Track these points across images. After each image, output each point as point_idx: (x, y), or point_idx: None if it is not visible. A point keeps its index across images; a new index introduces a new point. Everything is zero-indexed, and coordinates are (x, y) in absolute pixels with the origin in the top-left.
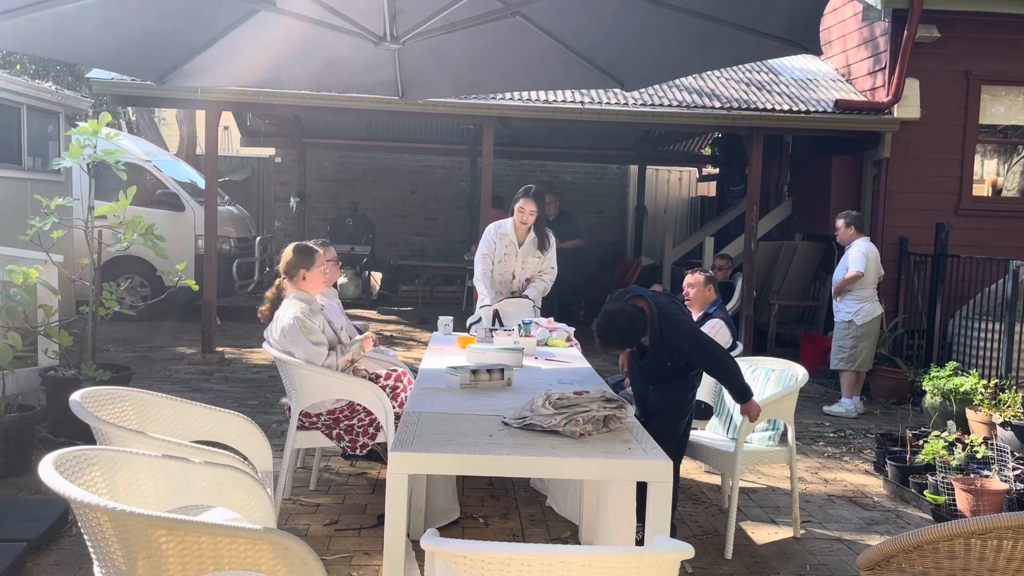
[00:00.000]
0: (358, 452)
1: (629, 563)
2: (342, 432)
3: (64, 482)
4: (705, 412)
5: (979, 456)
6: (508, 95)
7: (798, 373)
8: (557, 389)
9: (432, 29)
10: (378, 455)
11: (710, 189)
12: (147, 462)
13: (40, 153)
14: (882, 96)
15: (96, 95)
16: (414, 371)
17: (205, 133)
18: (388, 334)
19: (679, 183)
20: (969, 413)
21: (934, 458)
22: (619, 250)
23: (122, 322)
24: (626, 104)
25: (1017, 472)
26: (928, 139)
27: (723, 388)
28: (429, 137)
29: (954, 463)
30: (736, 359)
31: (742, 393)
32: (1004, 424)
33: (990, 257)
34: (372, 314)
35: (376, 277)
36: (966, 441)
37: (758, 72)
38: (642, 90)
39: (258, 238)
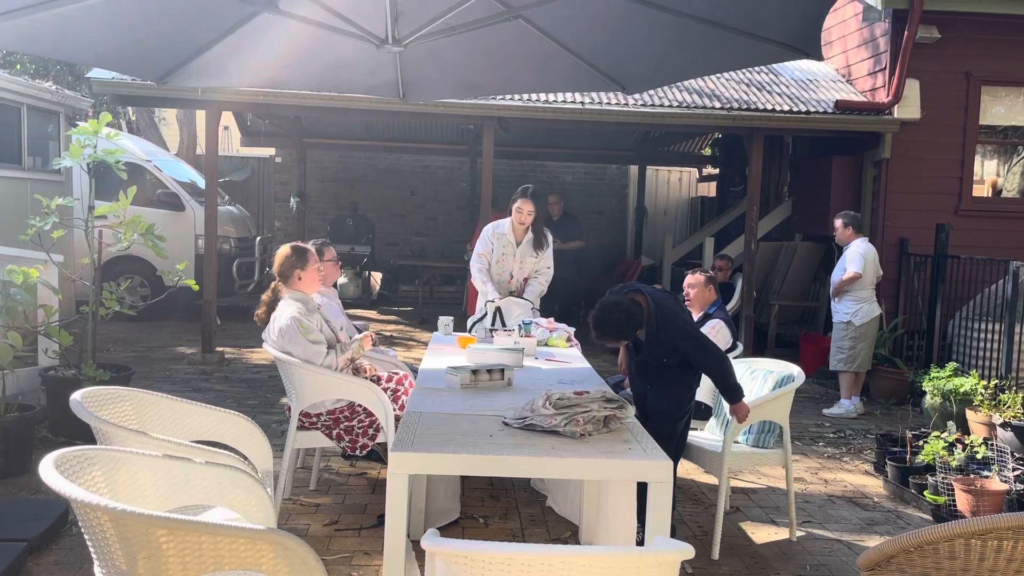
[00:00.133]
0: (358, 453)
1: (629, 563)
2: (342, 432)
3: (65, 482)
4: (704, 413)
5: (979, 457)
6: (508, 96)
7: (794, 375)
8: (557, 389)
9: (434, 32)
10: (378, 455)
11: (710, 189)
12: (147, 462)
13: (40, 153)
14: (882, 97)
15: (96, 95)
16: (414, 371)
17: (205, 133)
18: (388, 334)
19: (679, 183)
20: (969, 414)
21: (934, 459)
22: (619, 250)
23: (122, 322)
24: (626, 104)
25: (1017, 473)
26: (928, 140)
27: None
28: (429, 137)
29: (954, 464)
30: (734, 360)
31: (734, 393)
32: (1004, 425)
33: (990, 258)
34: (372, 314)
35: (376, 277)
36: (966, 442)
37: (758, 73)
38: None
39: (258, 238)
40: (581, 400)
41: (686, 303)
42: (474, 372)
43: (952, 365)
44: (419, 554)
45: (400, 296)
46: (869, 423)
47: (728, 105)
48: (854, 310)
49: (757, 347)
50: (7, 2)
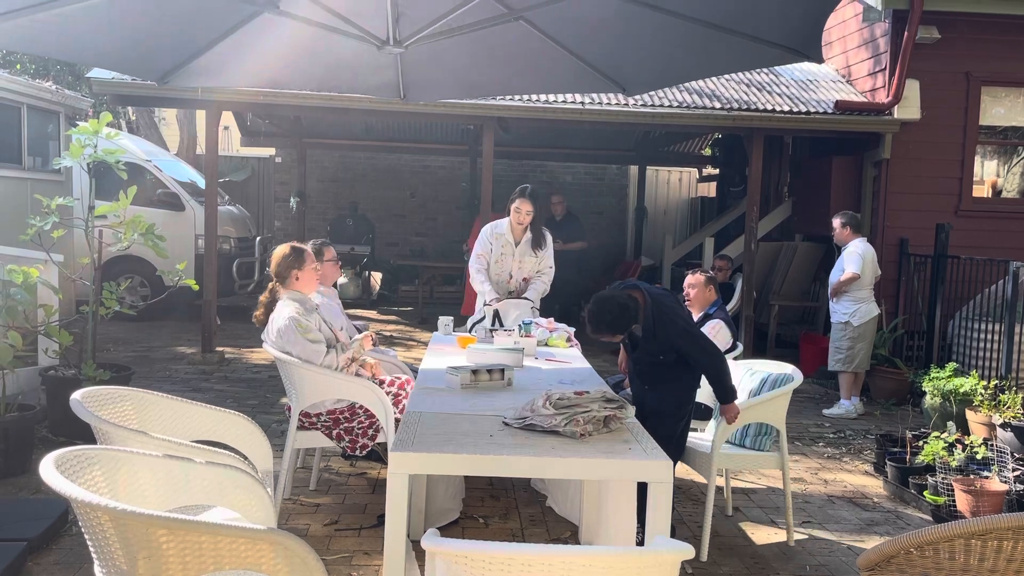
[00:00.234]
0: (358, 453)
1: (629, 563)
2: (342, 432)
3: (65, 481)
4: (705, 413)
5: (979, 457)
6: (509, 96)
7: (792, 377)
8: (557, 389)
9: (435, 33)
10: (378, 455)
11: (710, 190)
12: (148, 462)
13: (40, 153)
14: (882, 97)
15: (96, 95)
16: (414, 371)
17: (205, 133)
18: (388, 334)
19: (679, 184)
20: (969, 414)
21: (934, 459)
22: (619, 251)
23: (122, 322)
24: (626, 105)
25: (1017, 473)
26: (928, 140)
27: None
28: (429, 137)
29: (954, 464)
30: (735, 361)
31: (727, 393)
32: (1004, 425)
33: (990, 258)
34: (372, 314)
35: (376, 277)
36: (966, 442)
37: (758, 73)
38: None
39: (258, 238)
40: (581, 400)
41: (686, 303)
42: (474, 372)
43: (952, 365)
44: (419, 554)
45: (400, 296)
46: (869, 423)
47: (728, 105)
48: (852, 310)
49: (757, 347)
50: (8, 2)
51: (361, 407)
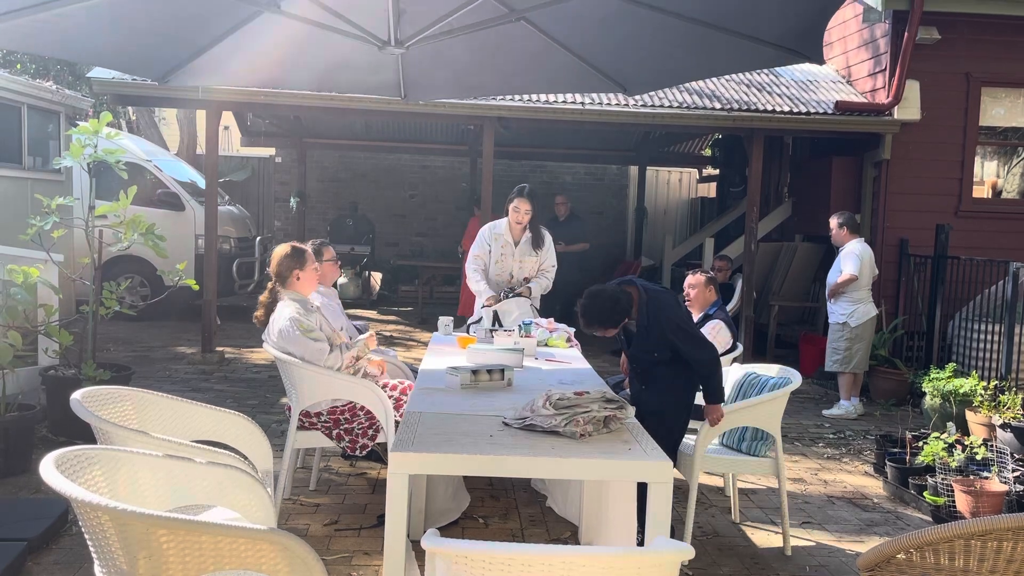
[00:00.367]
0: (358, 453)
1: (629, 563)
2: (342, 432)
3: (65, 481)
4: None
5: (979, 458)
6: (509, 96)
7: (792, 381)
8: (557, 389)
9: (436, 33)
10: (378, 455)
11: (710, 190)
12: (148, 461)
13: (40, 152)
14: (882, 98)
15: (96, 94)
16: (414, 371)
17: (205, 133)
18: (388, 334)
19: (679, 184)
20: (969, 415)
21: (934, 460)
22: (619, 251)
23: (122, 322)
24: (626, 105)
25: (1017, 474)
26: (928, 141)
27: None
28: (429, 137)
29: (954, 465)
30: (735, 365)
31: (715, 394)
32: (1004, 426)
33: (990, 259)
34: (372, 314)
35: (376, 277)
36: (966, 443)
37: (758, 73)
38: None
39: (258, 238)
40: (581, 400)
41: (686, 303)
42: (474, 372)
43: (952, 366)
44: (419, 554)
45: (400, 296)
46: (869, 424)
47: (728, 106)
48: (850, 311)
49: (757, 348)
50: (8, 2)
51: (361, 407)
